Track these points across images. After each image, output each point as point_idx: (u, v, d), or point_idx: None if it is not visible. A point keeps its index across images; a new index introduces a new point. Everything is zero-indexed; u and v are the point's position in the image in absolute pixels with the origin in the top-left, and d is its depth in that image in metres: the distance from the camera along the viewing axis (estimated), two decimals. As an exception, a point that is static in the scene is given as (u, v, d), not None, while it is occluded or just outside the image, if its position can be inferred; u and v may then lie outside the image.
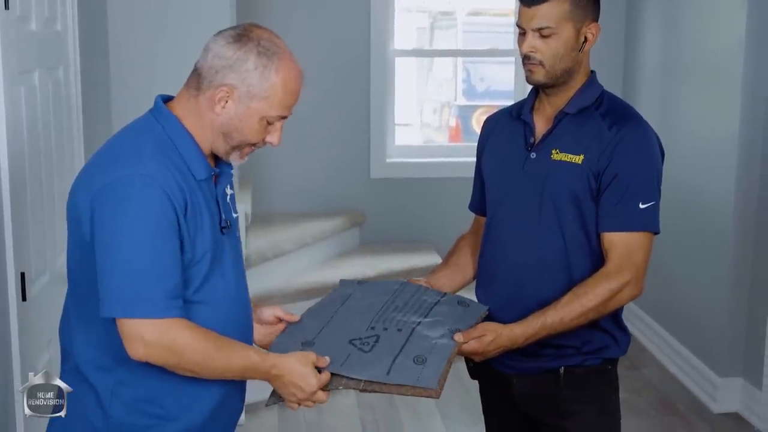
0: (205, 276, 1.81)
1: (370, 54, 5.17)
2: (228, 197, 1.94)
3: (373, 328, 2.03)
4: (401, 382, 1.88)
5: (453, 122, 7.39)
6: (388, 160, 5.31)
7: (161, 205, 1.71)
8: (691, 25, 4.46)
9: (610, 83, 4.75)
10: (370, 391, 1.91)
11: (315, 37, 5.07)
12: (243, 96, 1.79)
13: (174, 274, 1.73)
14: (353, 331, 2.02)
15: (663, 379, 4.49)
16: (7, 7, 2.42)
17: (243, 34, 1.79)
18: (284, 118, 1.85)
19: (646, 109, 4.73)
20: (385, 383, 1.89)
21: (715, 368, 4.15)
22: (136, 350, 1.72)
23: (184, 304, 1.77)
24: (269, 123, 1.83)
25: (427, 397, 1.89)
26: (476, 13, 6.72)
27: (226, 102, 1.79)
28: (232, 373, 1.83)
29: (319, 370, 1.89)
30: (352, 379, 1.90)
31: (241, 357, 1.81)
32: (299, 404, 1.90)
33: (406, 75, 6.07)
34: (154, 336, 1.71)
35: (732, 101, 3.96)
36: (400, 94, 5.46)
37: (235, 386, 1.94)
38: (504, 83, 6.05)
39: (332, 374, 1.90)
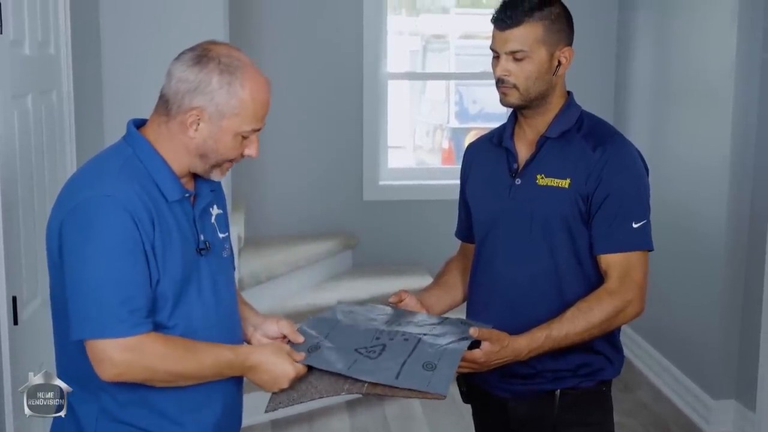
0: (177, 298, 1.79)
1: (363, 77, 5.19)
2: (213, 217, 1.93)
3: (378, 338, 2.01)
4: (411, 386, 1.86)
5: (446, 144, 7.39)
6: (381, 183, 5.32)
7: (124, 224, 1.71)
8: (682, 47, 4.49)
9: (601, 105, 4.79)
10: (373, 395, 1.90)
11: (308, 60, 5.09)
12: (213, 116, 1.78)
13: (141, 291, 1.72)
14: (358, 341, 2.00)
15: (656, 401, 4.48)
16: (0, 31, 2.43)
17: (202, 54, 1.79)
18: (258, 130, 1.84)
19: (637, 131, 4.75)
20: (391, 386, 1.87)
21: (709, 390, 4.14)
22: (105, 371, 1.72)
23: (158, 329, 1.76)
24: (244, 137, 1.83)
25: (433, 399, 1.88)
26: (468, 37, 6.73)
27: (198, 124, 1.79)
28: (207, 375, 1.82)
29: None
30: (357, 381, 1.89)
31: (212, 357, 1.81)
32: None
33: (398, 97, 6.07)
34: (123, 355, 1.70)
35: (723, 123, 3.98)
36: (392, 116, 5.47)
37: (220, 409, 1.90)
38: (496, 106, 6.05)
39: (338, 376, 1.90)
